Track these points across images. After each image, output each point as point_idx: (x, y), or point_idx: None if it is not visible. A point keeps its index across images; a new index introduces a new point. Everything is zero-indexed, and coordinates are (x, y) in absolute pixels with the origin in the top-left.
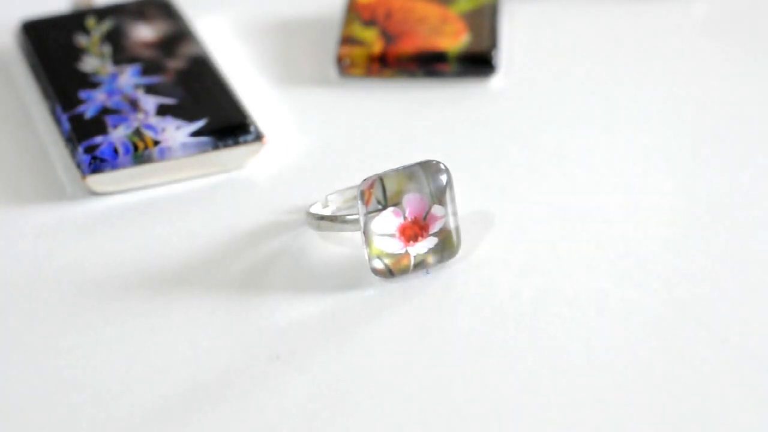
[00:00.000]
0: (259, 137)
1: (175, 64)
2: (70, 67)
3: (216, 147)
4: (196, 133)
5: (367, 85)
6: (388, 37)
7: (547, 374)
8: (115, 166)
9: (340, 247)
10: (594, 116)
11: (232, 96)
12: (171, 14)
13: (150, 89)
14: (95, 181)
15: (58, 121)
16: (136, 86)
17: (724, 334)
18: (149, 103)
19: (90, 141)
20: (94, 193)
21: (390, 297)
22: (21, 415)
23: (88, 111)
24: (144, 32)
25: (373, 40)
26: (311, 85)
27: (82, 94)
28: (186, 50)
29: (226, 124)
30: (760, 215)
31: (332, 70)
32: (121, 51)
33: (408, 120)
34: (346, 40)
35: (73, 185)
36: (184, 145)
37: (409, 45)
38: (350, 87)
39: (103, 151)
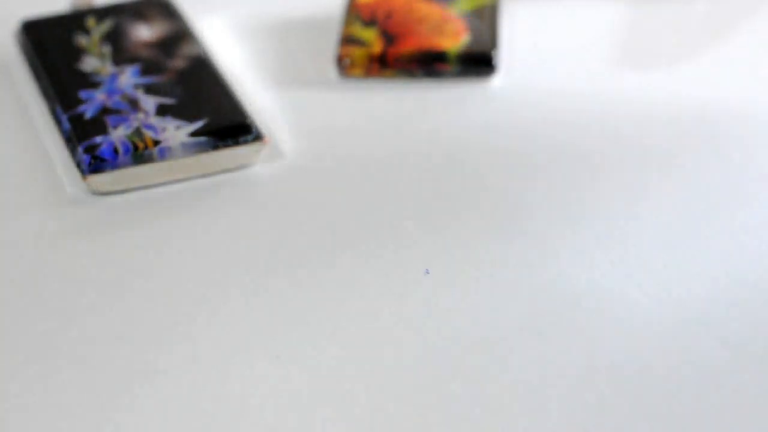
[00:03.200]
0: (259, 137)
1: (175, 64)
2: (70, 67)
3: (216, 147)
4: (196, 133)
5: (367, 86)
6: (388, 37)
7: (551, 380)
8: (115, 166)
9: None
10: (594, 116)
11: (232, 96)
12: (171, 14)
13: (150, 89)
14: (95, 181)
15: (58, 121)
16: (136, 86)
17: (724, 333)
18: (149, 103)
19: (90, 141)
20: (94, 193)
21: (386, 297)
22: (19, 416)
23: (88, 111)
24: (144, 32)
25: (373, 40)
26: (311, 85)
27: (82, 94)
28: (186, 50)
29: (226, 124)
30: (760, 214)
31: (332, 70)
32: (121, 51)
33: (408, 120)
34: (346, 40)
35: (73, 185)
36: (184, 145)
37: (410, 45)
38: (350, 87)
39: (103, 151)
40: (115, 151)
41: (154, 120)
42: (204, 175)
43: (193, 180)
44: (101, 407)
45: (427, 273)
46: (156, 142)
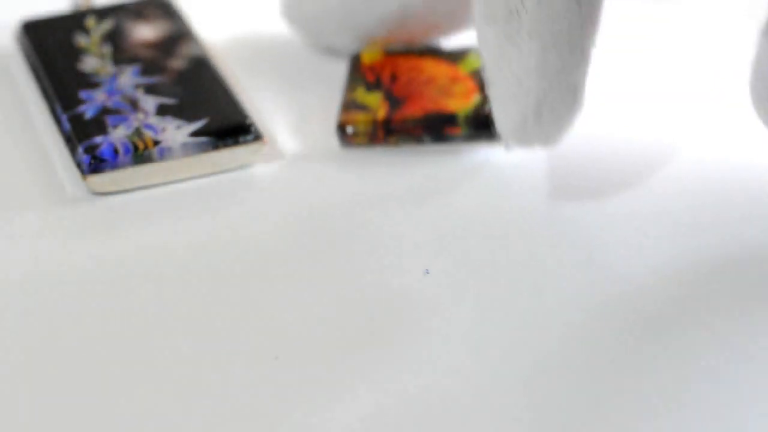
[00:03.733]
0: (259, 137)
1: (175, 64)
2: (70, 67)
3: (216, 147)
4: (196, 133)
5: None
6: (393, 100)
7: (547, 375)
8: (115, 166)
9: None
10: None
11: (232, 96)
12: (171, 14)
13: (150, 89)
14: (95, 181)
15: (58, 121)
16: (136, 86)
17: (722, 332)
18: (149, 103)
19: (90, 141)
20: (94, 193)
21: (389, 294)
22: (19, 415)
23: (88, 111)
24: (144, 32)
25: (377, 104)
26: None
27: (82, 94)
28: (186, 50)
29: (226, 124)
30: (760, 212)
31: (334, 138)
32: (121, 51)
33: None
34: (349, 105)
35: (73, 185)
36: (184, 145)
37: (416, 108)
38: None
39: (103, 151)
40: (115, 151)
41: (154, 120)
42: (204, 175)
43: (193, 180)
44: (100, 407)
45: (427, 273)
46: (156, 142)
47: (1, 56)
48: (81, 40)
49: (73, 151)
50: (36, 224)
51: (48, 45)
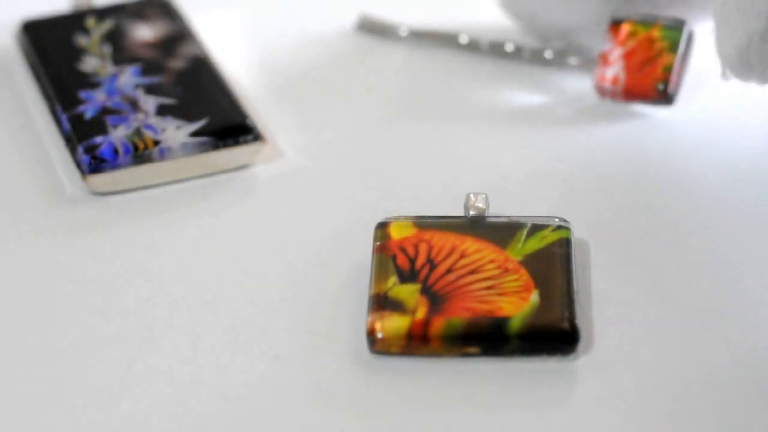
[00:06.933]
0: (258, 137)
1: (175, 64)
2: (70, 67)
3: (216, 147)
4: (196, 133)
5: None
6: (432, 297)
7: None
8: (115, 166)
9: (340, 245)
10: None
11: (232, 96)
12: (171, 14)
13: (150, 89)
14: (95, 181)
15: (58, 121)
16: (136, 86)
17: (725, 335)
18: (149, 103)
19: (90, 141)
20: (94, 193)
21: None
22: (20, 416)
23: (88, 111)
24: (144, 32)
25: (413, 303)
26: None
27: (82, 94)
28: (186, 50)
29: (226, 124)
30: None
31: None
32: (121, 51)
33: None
34: (378, 302)
35: (73, 185)
36: (184, 145)
37: (460, 311)
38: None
39: (103, 151)
40: (115, 151)
41: (154, 120)
42: (204, 175)
43: (193, 180)
44: (100, 407)
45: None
46: (156, 142)
47: (1, 56)
48: (81, 40)
49: (73, 151)
50: (36, 224)
51: (48, 45)
